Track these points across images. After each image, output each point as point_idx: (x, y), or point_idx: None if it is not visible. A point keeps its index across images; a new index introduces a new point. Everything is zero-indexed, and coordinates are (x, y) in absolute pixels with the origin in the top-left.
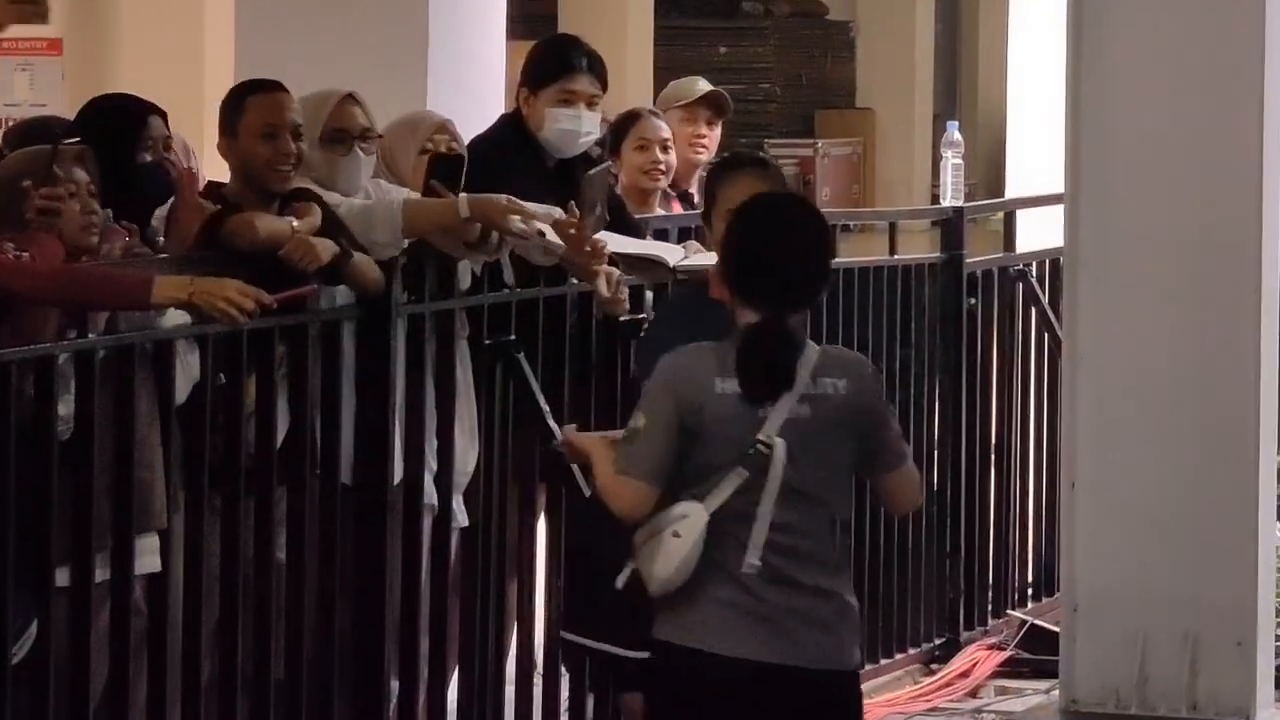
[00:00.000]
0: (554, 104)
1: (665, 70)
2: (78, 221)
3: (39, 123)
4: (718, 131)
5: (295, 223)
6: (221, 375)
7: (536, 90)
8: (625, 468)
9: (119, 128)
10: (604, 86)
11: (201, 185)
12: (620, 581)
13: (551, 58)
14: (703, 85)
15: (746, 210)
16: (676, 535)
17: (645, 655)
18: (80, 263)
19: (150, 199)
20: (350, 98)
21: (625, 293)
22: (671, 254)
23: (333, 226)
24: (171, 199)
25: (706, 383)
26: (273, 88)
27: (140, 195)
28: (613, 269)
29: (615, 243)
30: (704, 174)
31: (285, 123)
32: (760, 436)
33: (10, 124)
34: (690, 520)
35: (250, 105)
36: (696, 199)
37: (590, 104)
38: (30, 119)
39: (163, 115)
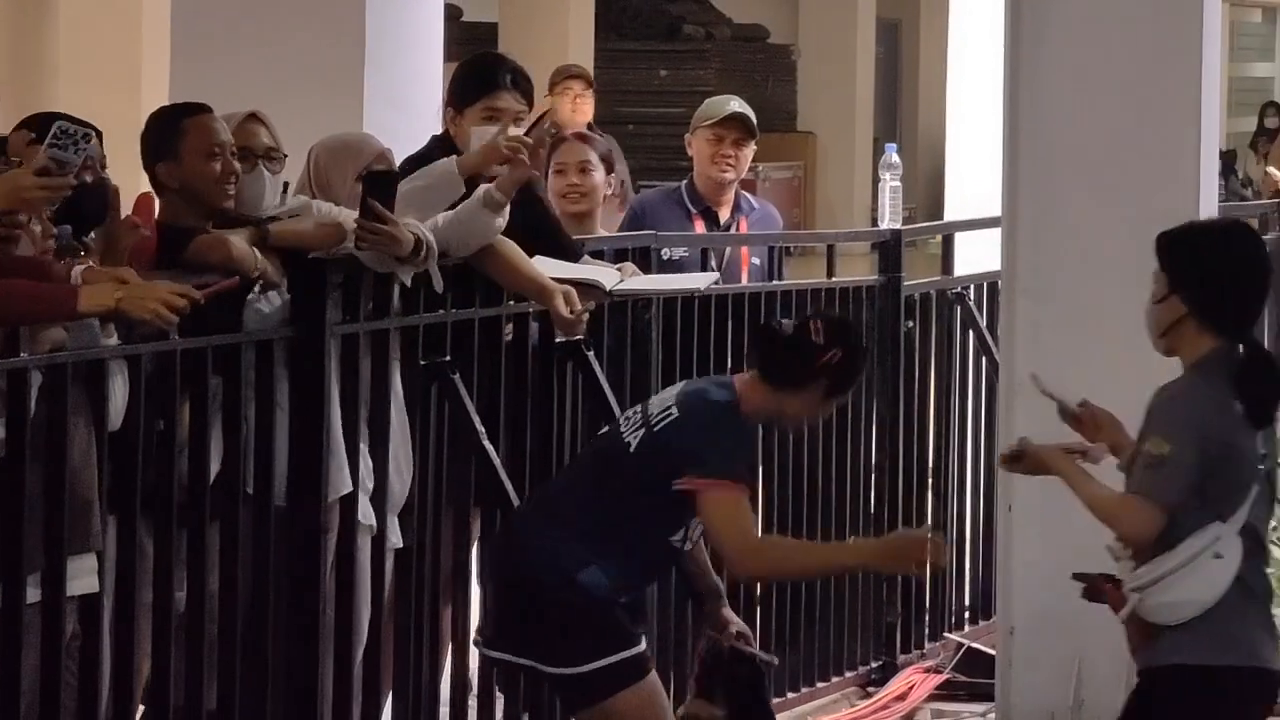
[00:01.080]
0: (479, 122)
1: (606, 93)
2: (40, 244)
3: None
4: (747, 152)
5: (257, 255)
6: (160, 422)
7: (462, 109)
8: (1150, 492)
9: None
10: (530, 102)
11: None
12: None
13: (475, 76)
14: (734, 106)
15: (1219, 238)
16: (1218, 556)
17: (579, 670)
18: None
19: (89, 219)
20: (254, 117)
21: (585, 316)
22: (607, 277)
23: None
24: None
25: (1228, 408)
26: (204, 109)
27: (80, 216)
28: (570, 289)
29: (550, 267)
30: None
31: (226, 143)
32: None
33: None
34: (1224, 541)
35: (190, 127)
36: (723, 219)
37: (516, 120)
38: None
39: (100, 135)
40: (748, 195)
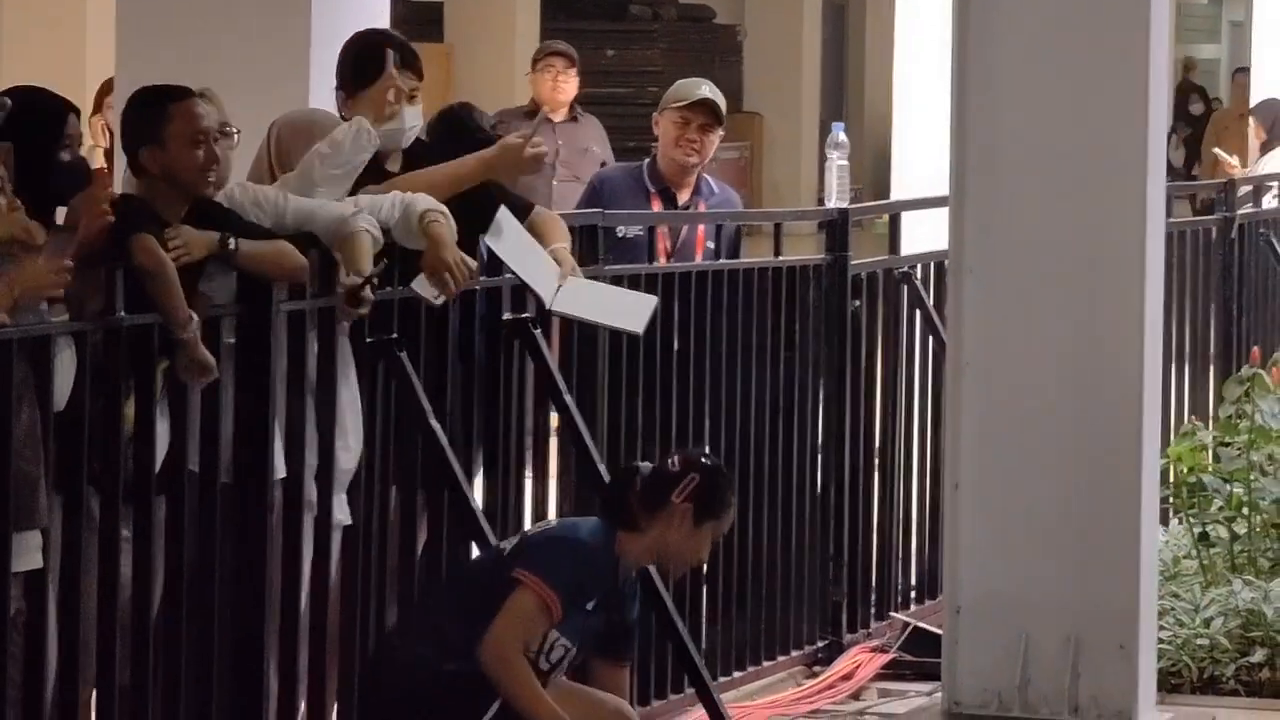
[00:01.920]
0: (373, 104)
1: None
2: (6, 218)
3: None
4: (713, 138)
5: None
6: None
7: (355, 92)
8: None
9: (40, 124)
10: (420, 77)
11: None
12: None
13: (365, 58)
14: (705, 91)
15: None
16: None
17: None
18: None
19: (66, 197)
20: (202, 95)
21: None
22: (547, 285)
23: (218, 218)
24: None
25: None
26: (189, 94)
27: (57, 193)
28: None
29: (509, 248)
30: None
31: (209, 129)
32: None
33: None
34: None
35: (176, 113)
36: (682, 200)
37: (411, 98)
38: None
39: (78, 113)
40: (709, 179)
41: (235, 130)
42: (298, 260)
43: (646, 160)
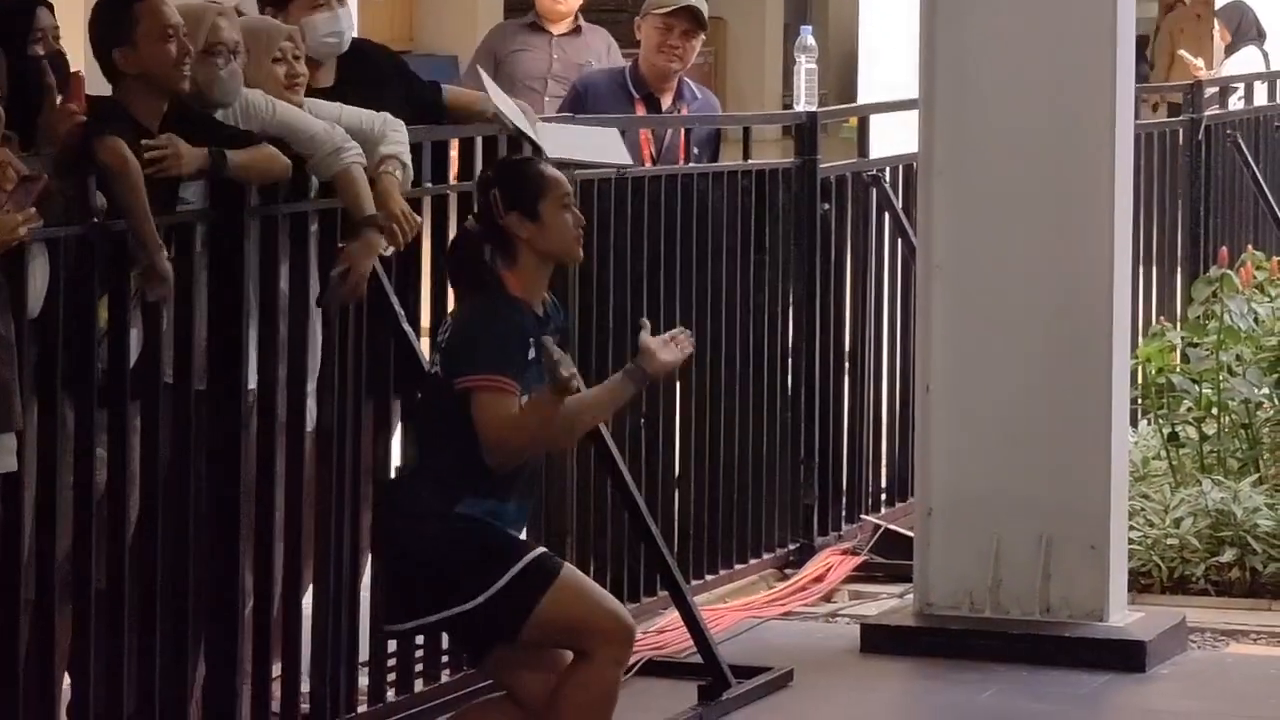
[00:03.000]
0: (307, 13)
1: None
2: None
3: None
4: (695, 44)
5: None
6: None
7: (284, 5)
8: None
9: (6, 20)
10: None
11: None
12: None
13: None
14: None
15: None
16: None
17: (481, 600)
18: None
19: (37, 95)
20: (219, 12)
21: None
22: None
23: (208, 131)
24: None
25: None
26: None
27: (27, 91)
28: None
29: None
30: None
31: (178, 24)
32: None
33: None
34: None
35: (142, 12)
36: (665, 105)
37: (341, 0)
38: None
39: (49, 6)
40: (690, 83)
41: (245, 47)
42: (283, 165)
43: (628, 65)
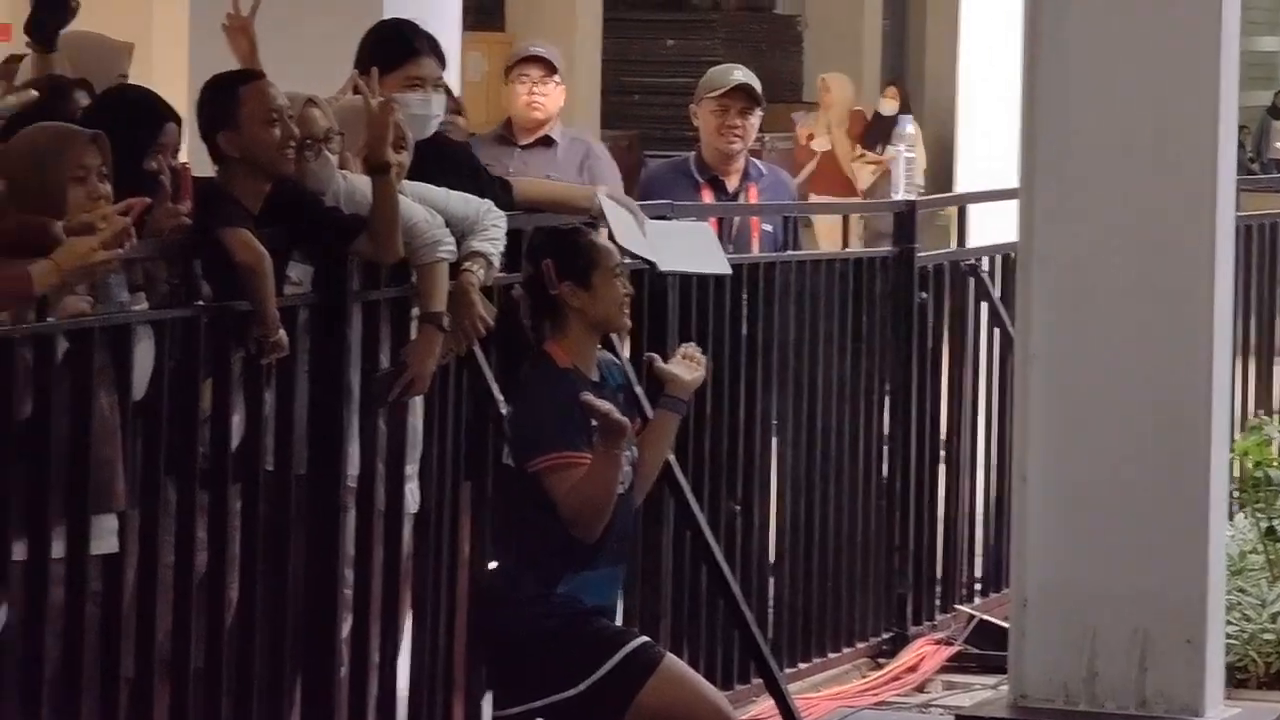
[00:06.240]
0: (400, 90)
1: (612, 62)
2: (82, 205)
3: (53, 83)
4: (754, 120)
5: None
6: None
7: (380, 79)
8: None
9: (135, 127)
10: (444, 66)
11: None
12: None
13: (391, 44)
14: (738, 75)
15: None
16: None
17: (583, 687)
18: None
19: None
20: (310, 101)
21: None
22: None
23: (312, 214)
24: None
25: None
26: (259, 76)
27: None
28: None
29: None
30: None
31: (283, 108)
32: None
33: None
34: None
35: (246, 95)
36: (731, 187)
37: (436, 86)
38: (49, 77)
39: (178, 121)
40: (756, 161)
41: (339, 133)
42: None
43: (692, 153)
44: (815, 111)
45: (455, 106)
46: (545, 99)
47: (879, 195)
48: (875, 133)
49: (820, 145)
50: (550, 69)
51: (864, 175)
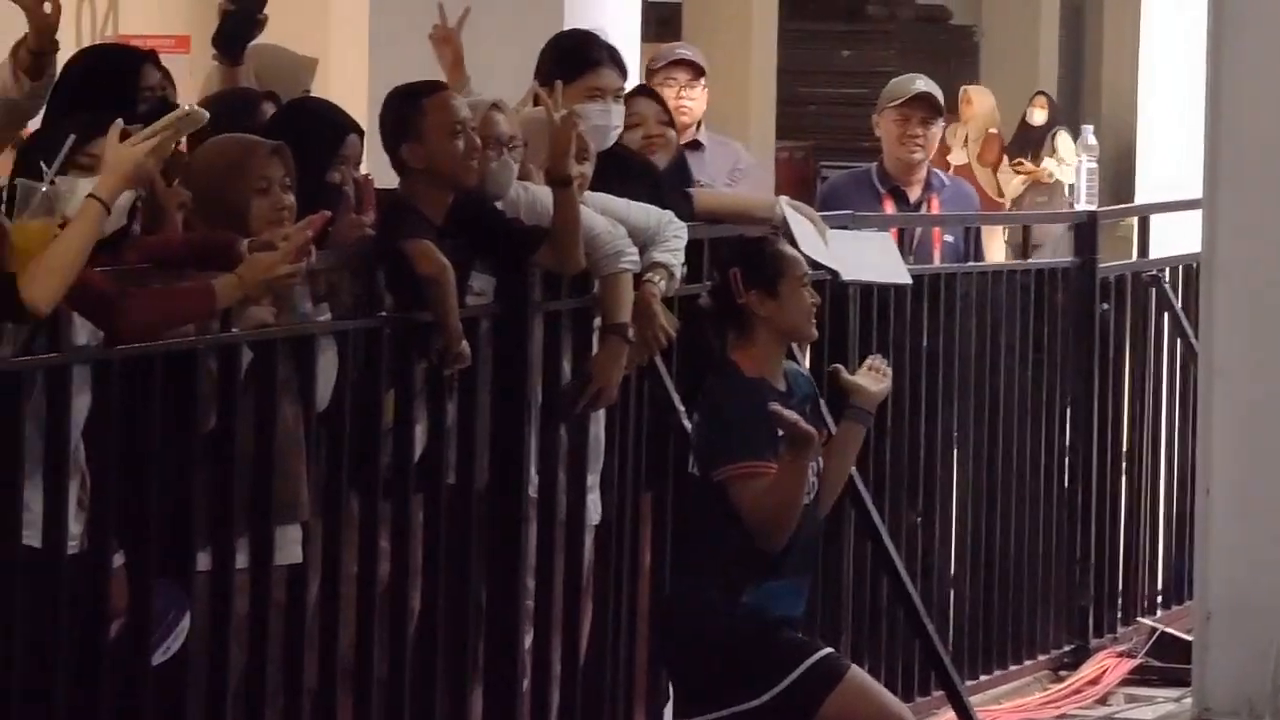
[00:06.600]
0: (581, 100)
1: (788, 73)
2: (266, 216)
3: (239, 95)
4: (935, 130)
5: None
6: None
7: (561, 90)
8: None
9: (317, 139)
10: (625, 77)
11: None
12: None
13: (573, 54)
14: (919, 85)
15: None
16: None
17: (767, 698)
18: (137, 288)
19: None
20: (495, 106)
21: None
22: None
23: (493, 226)
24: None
25: None
26: (442, 87)
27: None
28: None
29: (807, 245)
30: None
31: (466, 119)
32: None
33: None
34: None
35: (430, 107)
36: (913, 198)
37: (616, 97)
38: (232, 90)
39: (360, 134)
40: (939, 172)
41: (522, 141)
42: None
43: (874, 164)
44: (954, 124)
45: (667, 119)
46: (693, 103)
47: (1026, 206)
48: (1022, 142)
49: (957, 159)
50: (698, 72)
51: (1012, 185)
